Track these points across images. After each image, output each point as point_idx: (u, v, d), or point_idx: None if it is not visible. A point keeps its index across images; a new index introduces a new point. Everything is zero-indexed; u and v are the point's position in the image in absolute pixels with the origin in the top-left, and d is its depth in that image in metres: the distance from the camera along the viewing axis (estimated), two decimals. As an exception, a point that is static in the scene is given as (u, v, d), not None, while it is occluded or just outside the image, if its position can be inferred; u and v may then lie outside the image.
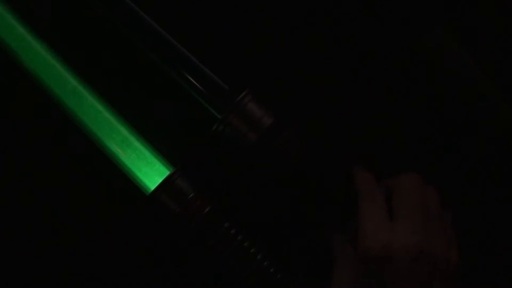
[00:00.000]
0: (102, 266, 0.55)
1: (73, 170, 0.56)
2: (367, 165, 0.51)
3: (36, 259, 0.55)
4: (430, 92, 0.59)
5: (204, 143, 0.56)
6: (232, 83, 0.53)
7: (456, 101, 0.59)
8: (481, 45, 0.59)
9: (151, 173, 0.52)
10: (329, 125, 0.58)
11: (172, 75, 0.54)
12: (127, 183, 0.52)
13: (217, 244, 0.51)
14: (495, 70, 0.58)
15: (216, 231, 0.51)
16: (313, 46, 0.59)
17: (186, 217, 0.51)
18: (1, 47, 0.53)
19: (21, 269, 0.55)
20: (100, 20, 0.56)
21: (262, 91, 0.52)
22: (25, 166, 0.56)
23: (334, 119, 0.58)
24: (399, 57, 0.59)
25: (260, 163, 0.53)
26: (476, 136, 0.58)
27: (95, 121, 0.52)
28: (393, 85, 0.59)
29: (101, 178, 0.55)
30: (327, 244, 0.51)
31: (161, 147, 0.53)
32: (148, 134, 0.53)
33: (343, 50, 0.59)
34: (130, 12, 0.54)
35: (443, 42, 0.59)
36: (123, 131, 0.53)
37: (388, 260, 0.44)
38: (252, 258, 0.51)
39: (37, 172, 0.56)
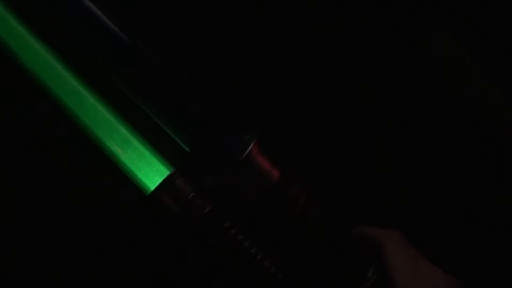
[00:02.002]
0: (102, 266, 0.55)
1: (73, 170, 0.56)
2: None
3: (36, 259, 0.55)
4: (430, 92, 0.59)
5: (204, 143, 0.56)
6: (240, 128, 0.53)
7: (456, 101, 0.59)
8: (481, 45, 0.59)
9: (151, 173, 0.52)
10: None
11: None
12: (127, 183, 0.52)
13: (217, 244, 0.51)
14: (495, 70, 0.58)
15: (216, 231, 0.51)
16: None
17: (186, 217, 0.51)
18: (1, 47, 0.53)
19: (20, 269, 0.55)
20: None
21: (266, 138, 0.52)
22: (24, 166, 0.56)
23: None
24: (399, 57, 0.59)
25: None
26: (476, 136, 0.58)
27: (95, 121, 0.52)
28: (393, 85, 0.59)
29: (101, 178, 0.55)
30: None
31: (161, 147, 0.53)
32: (148, 134, 0.53)
33: (342, 51, 0.59)
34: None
35: (443, 42, 0.59)
36: (123, 131, 0.53)
37: None
38: (252, 258, 0.51)
39: (36, 172, 0.56)
